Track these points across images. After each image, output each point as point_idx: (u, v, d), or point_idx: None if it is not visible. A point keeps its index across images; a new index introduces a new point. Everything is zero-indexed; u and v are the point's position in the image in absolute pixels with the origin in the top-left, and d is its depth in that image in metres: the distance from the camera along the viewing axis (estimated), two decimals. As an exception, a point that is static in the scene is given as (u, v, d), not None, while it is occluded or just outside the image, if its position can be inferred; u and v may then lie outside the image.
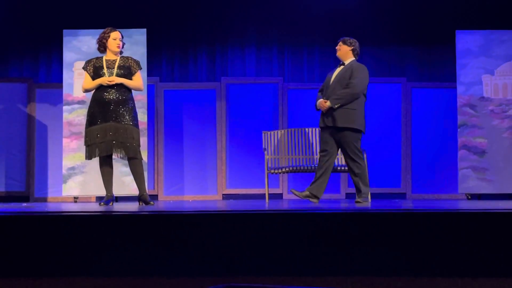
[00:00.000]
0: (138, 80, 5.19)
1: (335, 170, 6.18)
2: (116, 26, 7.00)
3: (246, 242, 3.27)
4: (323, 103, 5.34)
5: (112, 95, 5.06)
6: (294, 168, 6.19)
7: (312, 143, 6.58)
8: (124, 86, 5.10)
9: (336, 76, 5.42)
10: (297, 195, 5.37)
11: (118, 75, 5.09)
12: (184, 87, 7.47)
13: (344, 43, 5.46)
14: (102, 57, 5.19)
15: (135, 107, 5.19)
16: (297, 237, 3.28)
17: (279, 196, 7.36)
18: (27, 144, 7.26)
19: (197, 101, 7.42)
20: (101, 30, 6.98)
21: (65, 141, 6.84)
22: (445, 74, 7.61)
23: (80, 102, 6.88)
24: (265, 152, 6.40)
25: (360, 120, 5.34)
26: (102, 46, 5.20)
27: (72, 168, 6.81)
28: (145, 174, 5.46)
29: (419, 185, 7.37)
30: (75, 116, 6.87)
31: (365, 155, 6.26)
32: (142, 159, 5.16)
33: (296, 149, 6.56)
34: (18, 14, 7.49)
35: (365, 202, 5.29)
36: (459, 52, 7.02)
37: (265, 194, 6.36)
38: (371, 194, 6.28)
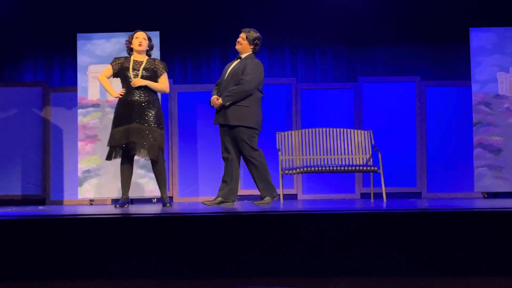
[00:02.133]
0: (164, 83, 5.25)
1: (349, 170, 6.15)
2: (130, 29, 7.04)
3: (261, 243, 3.27)
4: (215, 100, 5.16)
5: (137, 96, 5.13)
6: (308, 168, 6.18)
7: (326, 143, 6.56)
8: (149, 88, 5.15)
9: (230, 71, 5.24)
10: (209, 205, 5.10)
11: (143, 77, 5.15)
12: (197, 89, 7.48)
13: (247, 39, 5.22)
14: (130, 58, 5.26)
15: (160, 108, 5.23)
16: (312, 237, 3.28)
17: (294, 196, 7.35)
18: (42, 147, 7.31)
19: (211, 102, 7.43)
20: (114, 34, 7.07)
21: (80, 144, 6.88)
22: (460, 72, 7.56)
23: (95, 105, 6.92)
24: (279, 153, 6.40)
25: (254, 117, 5.13)
26: (128, 48, 5.28)
27: (88, 171, 6.85)
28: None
29: (434, 184, 7.33)
30: (89, 119, 6.91)
31: (379, 155, 6.24)
32: (164, 161, 5.19)
33: (310, 149, 6.54)
34: (32, 18, 7.55)
35: (264, 204, 5.07)
36: (473, 50, 6.97)
37: (279, 195, 6.35)
38: (386, 193, 6.26)
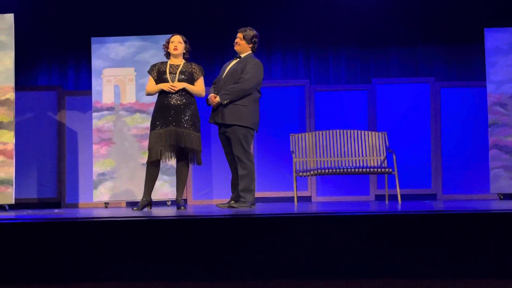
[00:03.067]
0: (200, 86, 5.25)
1: (364, 172, 6.13)
2: (143, 33, 7.10)
3: (275, 246, 3.26)
4: (213, 98, 5.13)
5: (173, 99, 5.15)
6: (322, 170, 6.17)
7: (340, 145, 6.54)
8: (186, 91, 5.17)
9: (229, 69, 5.20)
10: (223, 207, 5.07)
11: (179, 80, 5.17)
12: (211, 91, 7.48)
13: (245, 39, 5.20)
14: (167, 62, 5.29)
15: (197, 111, 5.23)
16: (326, 240, 3.27)
17: (308, 198, 7.34)
18: (58, 151, 7.37)
19: (224, 105, 7.43)
20: (128, 37, 7.11)
21: (95, 147, 6.93)
22: (474, 73, 7.51)
23: (109, 108, 6.96)
24: (293, 155, 6.39)
25: (251, 117, 5.09)
26: (166, 52, 5.30)
27: (102, 174, 6.88)
28: (175, 179, 5.45)
29: (450, 186, 7.28)
30: (104, 122, 6.95)
31: (394, 156, 6.21)
32: (200, 163, 5.18)
33: (324, 151, 6.53)
34: (46, 23, 7.61)
35: (241, 207, 4.97)
36: (488, 51, 6.92)
37: (293, 197, 6.35)
38: (401, 195, 6.23)
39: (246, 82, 5.09)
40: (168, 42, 5.30)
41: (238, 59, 5.25)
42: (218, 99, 5.11)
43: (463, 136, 7.33)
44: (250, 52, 5.25)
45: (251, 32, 5.23)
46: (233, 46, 5.28)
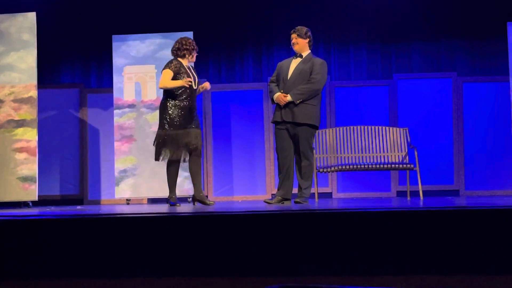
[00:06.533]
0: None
1: (385, 168, 6.10)
2: (163, 30, 7.14)
3: (296, 242, 3.26)
4: (283, 97, 5.18)
5: (190, 101, 5.27)
6: (343, 166, 6.15)
7: (361, 141, 6.51)
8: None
9: (295, 69, 5.27)
10: (271, 203, 5.16)
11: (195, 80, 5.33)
12: (231, 88, 7.50)
13: (300, 36, 5.30)
14: (180, 62, 5.35)
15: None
16: (347, 236, 3.26)
17: (329, 195, 7.31)
18: (80, 148, 7.43)
19: (245, 101, 7.45)
20: (149, 35, 7.13)
21: (116, 144, 6.98)
22: (498, 67, 7.41)
23: (130, 106, 7.01)
24: (314, 151, 6.38)
25: (318, 116, 5.25)
26: (189, 53, 5.34)
27: (124, 171, 6.93)
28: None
29: (472, 182, 7.21)
30: (125, 119, 7.00)
31: (416, 152, 6.17)
32: (200, 156, 5.34)
33: (344, 147, 6.50)
34: (68, 21, 7.68)
35: (305, 202, 5.14)
36: (511, 44, 6.82)
37: (314, 193, 6.33)
38: (423, 191, 6.19)
39: (318, 82, 5.21)
40: (191, 46, 5.33)
41: (300, 58, 5.33)
42: (289, 98, 5.16)
43: (486, 131, 7.24)
44: (309, 51, 5.35)
45: (302, 28, 5.35)
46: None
